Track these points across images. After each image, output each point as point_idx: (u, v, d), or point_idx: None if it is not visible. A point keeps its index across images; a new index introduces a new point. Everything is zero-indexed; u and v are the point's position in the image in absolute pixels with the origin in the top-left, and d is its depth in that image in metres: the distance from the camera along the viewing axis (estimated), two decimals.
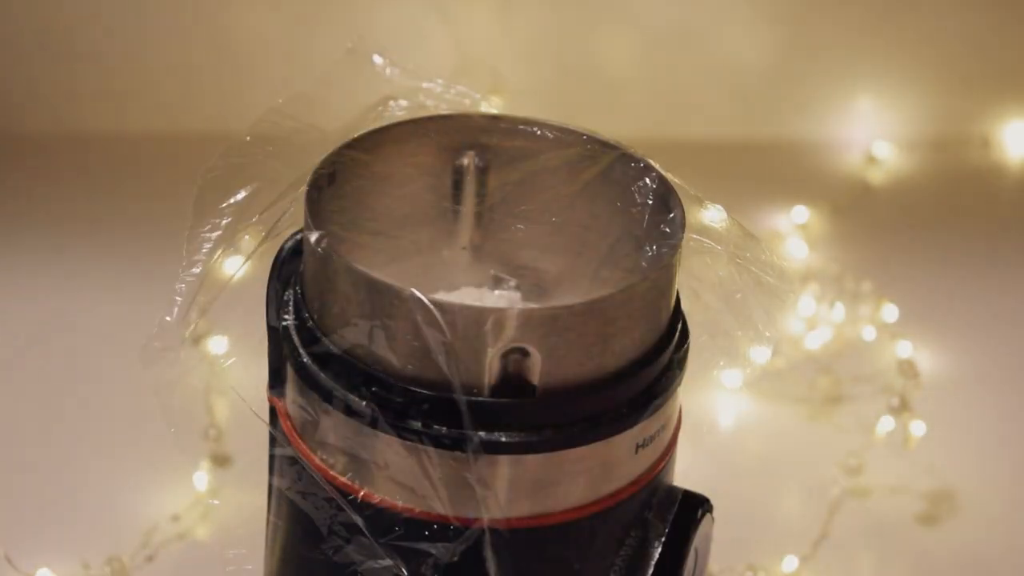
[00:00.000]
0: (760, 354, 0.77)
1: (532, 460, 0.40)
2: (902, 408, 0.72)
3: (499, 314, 0.39)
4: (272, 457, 0.46)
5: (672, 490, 0.45)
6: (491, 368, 0.39)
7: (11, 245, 0.84)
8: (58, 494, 0.68)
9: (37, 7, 0.91)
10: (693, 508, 0.45)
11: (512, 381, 0.40)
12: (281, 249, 0.46)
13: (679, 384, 0.44)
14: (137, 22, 0.92)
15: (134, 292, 0.81)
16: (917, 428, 0.71)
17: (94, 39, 0.92)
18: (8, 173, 0.90)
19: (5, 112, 0.93)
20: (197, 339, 0.77)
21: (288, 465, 0.44)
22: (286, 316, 0.44)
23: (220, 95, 0.93)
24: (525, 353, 0.39)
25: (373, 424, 0.40)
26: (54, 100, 0.94)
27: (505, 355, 0.39)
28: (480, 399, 0.40)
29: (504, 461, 0.40)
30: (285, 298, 0.45)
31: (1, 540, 0.64)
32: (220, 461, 0.69)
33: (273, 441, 0.46)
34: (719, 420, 0.75)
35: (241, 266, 0.49)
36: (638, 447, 0.42)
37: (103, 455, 0.70)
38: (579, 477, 0.41)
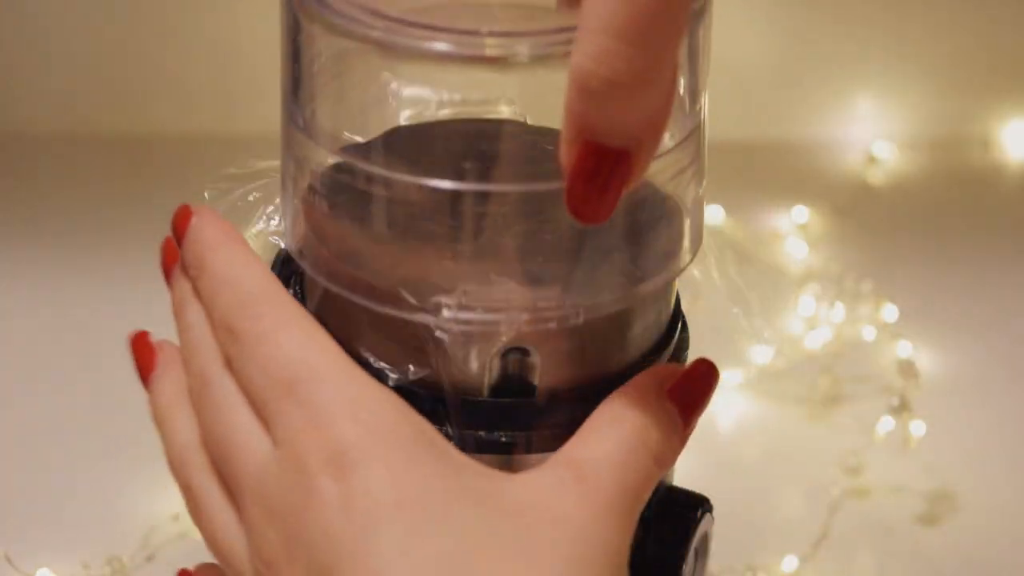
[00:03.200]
0: (760, 354, 0.77)
1: (532, 460, 0.40)
2: (902, 408, 0.72)
3: (499, 315, 0.39)
4: None
5: (671, 490, 0.45)
6: (491, 368, 0.39)
7: (10, 245, 0.84)
8: (58, 494, 0.68)
9: (37, 7, 0.91)
10: (693, 508, 0.45)
11: (512, 381, 0.40)
12: (281, 250, 0.46)
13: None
14: (138, 22, 0.92)
15: (134, 292, 0.81)
16: (917, 428, 0.71)
17: (94, 39, 0.92)
18: (8, 173, 0.90)
19: (5, 112, 0.93)
20: None
21: None
22: None
23: (220, 95, 0.93)
24: (525, 353, 0.39)
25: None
26: (54, 100, 0.94)
27: (505, 355, 0.39)
28: (479, 399, 0.40)
29: (503, 461, 0.40)
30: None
31: (1, 540, 0.64)
32: None
33: None
34: (719, 420, 0.75)
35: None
36: None
37: (103, 455, 0.70)
38: None
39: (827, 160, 0.95)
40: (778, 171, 0.92)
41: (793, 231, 0.87)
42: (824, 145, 0.95)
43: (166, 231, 0.86)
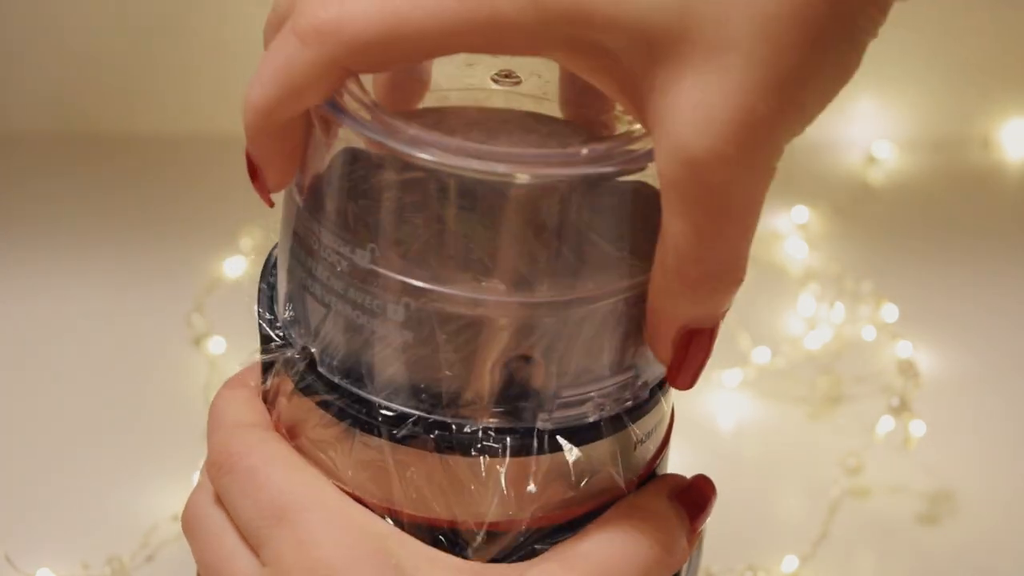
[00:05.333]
0: (760, 354, 0.77)
1: (533, 461, 0.40)
2: (902, 408, 0.72)
3: (499, 322, 0.39)
4: None
5: None
6: (493, 375, 0.39)
7: (10, 245, 0.84)
8: (58, 494, 0.68)
9: (37, 7, 0.91)
10: None
11: (515, 387, 0.40)
12: (271, 254, 0.46)
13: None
14: (138, 22, 0.92)
15: (134, 293, 0.81)
16: (917, 428, 0.72)
17: (94, 39, 0.92)
18: (8, 173, 0.90)
19: (4, 112, 0.93)
20: (197, 339, 0.77)
21: None
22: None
23: (220, 95, 0.93)
24: (527, 359, 0.39)
25: (368, 429, 0.40)
26: (54, 100, 0.94)
27: (507, 363, 0.39)
28: (482, 406, 0.40)
29: (503, 463, 0.40)
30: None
31: (1, 540, 0.64)
32: None
33: None
34: (719, 420, 0.75)
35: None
36: (636, 443, 0.42)
37: (104, 455, 0.70)
38: (580, 475, 0.41)
39: (827, 160, 0.95)
40: (778, 171, 0.92)
41: (793, 231, 0.87)
42: (824, 145, 0.96)
43: (165, 231, 0.87)
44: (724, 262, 0.37)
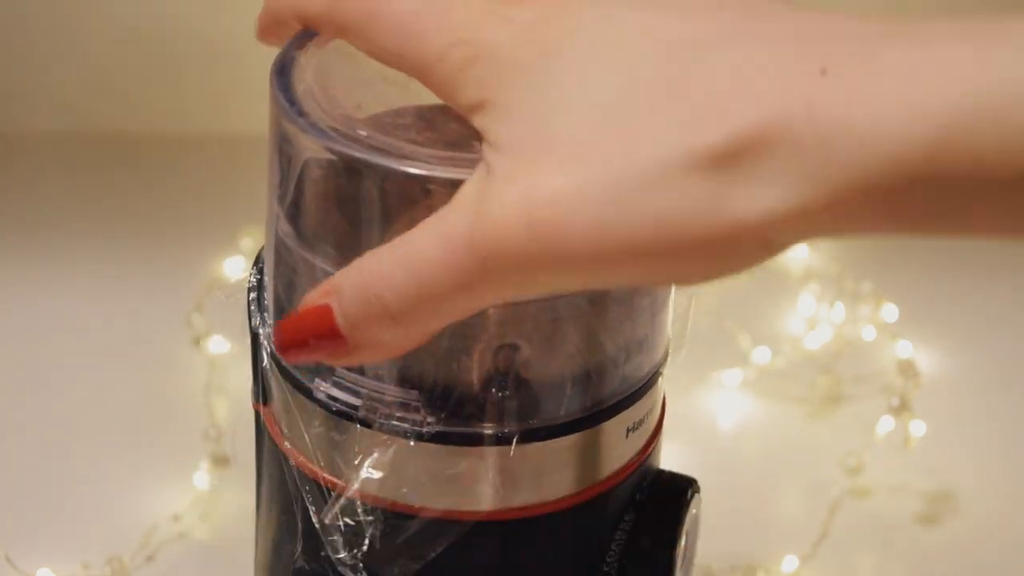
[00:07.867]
0: (760, 354, 0.77)
1: (525, 450, 0.40)
2: (902, 408, 0.72)
3: (488, 309, 0.39)
4: (259, 457, 0.46)
5: (661, 473, 0.46)
6: (481, 363, 0.39)
7: (10, 245, 0.84)
8: (58, 494, 0.68)
9: (37, 7, 0.91)
10: (682, 489, 0.45)
11: (503, 375, 0.40)
12: (259, 254, 0.46)
13: (664, 366, 0.44)
14: (138, 22, 0.92)
15: (134, 292, 0.81)
16: (917, 428, 0.72)
17: (94, 39, 0.92)
18: (8, 173, 0.90)
19: (5, 112, 0.93)
20: (197, 340, 0.77)
21: (275, 466, 0.44)
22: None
23: (220, 96, 0.93)
24: (516, 348, 0.39)
25: (360, 420, 0.40)
26: (54, 100, 0.94)
27: (496, 350, 0.39)
28: (470, 393, 0.40)
29: (494, 452, 0.40)
30: (265, 302, 0.45)
31: (1, 540, 0.64)
32: (220, 461, 0.69)
33: (259, 444, 0.46)
34: (719, 420, 0.75)
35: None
36: (628, 431, 0.43)
37: (103, 455, 0.70)
38: (574, 464, 0.41)
39: None
40: None
41: None
42: None
43: (165, 231, 0.87)
44: (372, 276, 0.35)
